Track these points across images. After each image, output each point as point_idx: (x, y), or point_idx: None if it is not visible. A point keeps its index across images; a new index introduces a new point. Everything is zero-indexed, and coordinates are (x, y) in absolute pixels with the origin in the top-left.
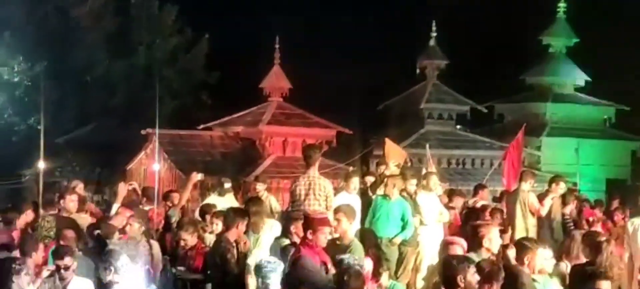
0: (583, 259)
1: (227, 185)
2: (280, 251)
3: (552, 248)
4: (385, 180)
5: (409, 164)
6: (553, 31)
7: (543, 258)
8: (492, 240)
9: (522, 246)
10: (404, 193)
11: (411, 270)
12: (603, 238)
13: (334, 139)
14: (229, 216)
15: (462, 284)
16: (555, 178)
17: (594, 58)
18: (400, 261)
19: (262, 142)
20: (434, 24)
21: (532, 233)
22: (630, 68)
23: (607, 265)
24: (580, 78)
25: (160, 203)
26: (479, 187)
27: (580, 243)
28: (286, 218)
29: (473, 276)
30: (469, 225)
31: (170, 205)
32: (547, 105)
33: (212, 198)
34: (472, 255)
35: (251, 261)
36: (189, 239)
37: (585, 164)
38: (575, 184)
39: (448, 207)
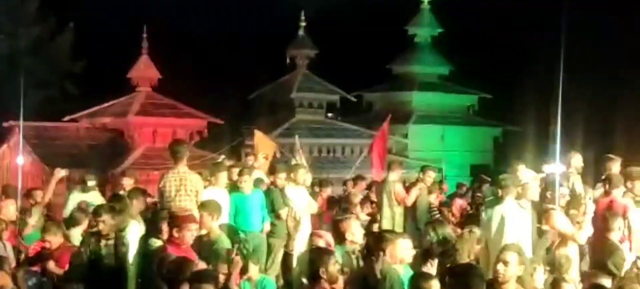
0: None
1: (91, 183)
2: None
3: (415, 237)
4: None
5: (279, 155)
6: (418, 21)
7: (403, 247)
8: (354, 232)
9: (381, 237)
10: (273, 186)
11: (280, 262)
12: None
13: (205, 129)
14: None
15: (324, 276)
16: (425, 168)
17: (458, 48)
18: (269, 253)
19: (130, 133)
20: (302, 13)
21: (399, 223)
22: (493, 58)
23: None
24: (445, 67)
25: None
26: (358, 178)
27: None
28: (155, 216)
29: (334, 267)
30: (331, 219)
31: (33, 202)
32: (413, 94)
33: (75, 196)
34: (337, 248)
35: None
36: (53, 240)
37: (451, 150)
38: (440, 170)
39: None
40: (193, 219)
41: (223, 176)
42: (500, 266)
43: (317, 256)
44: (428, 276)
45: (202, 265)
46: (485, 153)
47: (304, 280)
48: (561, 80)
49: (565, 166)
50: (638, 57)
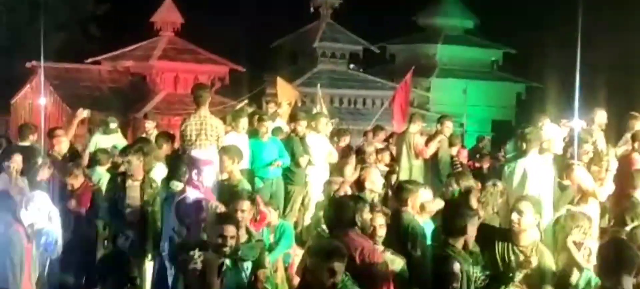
0: None
1: (113, 125)
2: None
3: (437, 189)
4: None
5: (300, 104)
6: None
7: (424, 198)
8: (374, 181)
9: (402, 188)
10: (293, 134)
11: (299, 209)
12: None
13: (226, 76)
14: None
15: (359, 223)
16: (442, 118)
17: (484, 1)
18: (287, 200)
19: (152, 77)
20: None
21: (417, 175)
22: (518, 13)
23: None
24: (470, 20)
25: (45, 140)
26: (377, 129)
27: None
28: (176, 159)
29: (368, 215)
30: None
31: (56, 142)
32: (437, 47)
33: (97, 137)
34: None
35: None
36: (75, 182)
37: (473, 105)
38: (462, 125)
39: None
40: (212, 162)
41: (244, 122)
42: (514, 215)
43: (351, 203)
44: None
45: (221, 208)
46: (507, 109)
47: (324, 227)
48: (579, 36)
49: (585, 123)
50: None
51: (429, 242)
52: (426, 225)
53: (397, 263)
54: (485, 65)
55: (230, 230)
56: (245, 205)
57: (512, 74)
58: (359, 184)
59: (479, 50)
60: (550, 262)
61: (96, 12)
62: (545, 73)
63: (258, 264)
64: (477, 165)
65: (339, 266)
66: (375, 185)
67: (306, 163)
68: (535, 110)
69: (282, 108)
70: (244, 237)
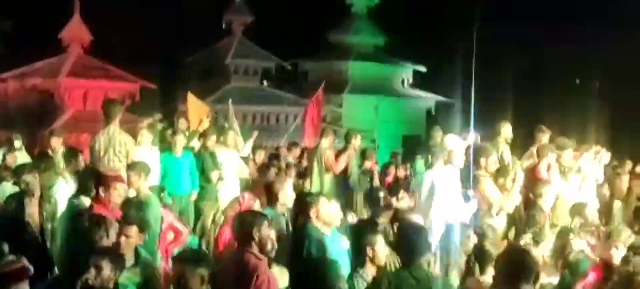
0: None
1: (18, 143)
2: None
3: (348, 203)
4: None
5: (211, 120)
6: None
7: (328, 210)
8: (286, 194)
9: (303, 199)
10: (203, 150)
11: (211, 224)
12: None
13: (137, 93)
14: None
15: (256, 238)
16: (349, 134)
17: (394, 19)
18: (198, 216)
19: (60, 94)
20: None
21: (328, 189)
22: (427, 30)
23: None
24: (381, 38)
25: None
26: (292, 145)
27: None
28: (85, 175)
29: (267, 230)
30: (263, 182)
31: None
32: (349, 64)
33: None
34: (268, 210)
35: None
36: None
37: (384, 121)
38: (374, 140)
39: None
40: (120, 179)
41: (150, 136)
42: None
43: (250, 218)
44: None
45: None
46: (417, 125)
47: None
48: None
49: (479, 136)
50: (561, 32)
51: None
52: (334, 238)
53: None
54: (395, 82)
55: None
56: (133, 230)
57: (422, 90)
58: (271, 196)
59: (390, 67)
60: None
61: (1, 28)
62: (453, 89)
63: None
64: (390, 180)
65: (205, 273)
66: (286, 198)
67: (217, 179)
68: (444, 125)
69: (193, 124)
70: (130, 261)
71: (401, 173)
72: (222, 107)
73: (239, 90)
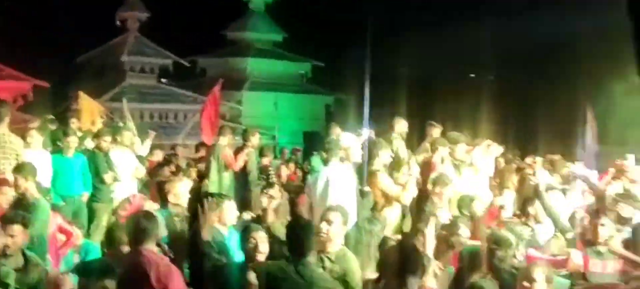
0: None
1: None
2: None
3: (246, 201)
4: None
5: (104, 119)
6: None
7: (228, 210)
8: (178, 194)
9: (205, 200)
10: (97, 150)
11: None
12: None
13: (29, 92)
14: None
15: (152, 237)
16: (246, 132)
17: (292, 15)
18: (92, 218)
19: None
20: None
21: (227, 187)
22: (326, 26)
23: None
24: (279, 34)
25: None
26: (188, 143)
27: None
28: None
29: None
30: (153, 182)
31: None
32: (247, 60)
33: None
34: (160, 211)
35: None
36: None
37: (284, 117)
38: (274, 137)
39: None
40: (6, 182)
41: (41, 137)
42: (323, 225)
43: (144, 219)
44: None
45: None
46: (317, 121)
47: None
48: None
49: (373, 132)
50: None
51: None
52: (230, 235)
53: None
54: (294, 78)
55: None
56: (16, 229)
57: (321, 86)
58: (162, 197)
59: (288, 64)
60: (356, 267)
61: None
62: (352, 85)
63: None
64: (291, 176)
65: (111, 284)
66: (179, 198)
67: (111, 180)
68: (343, 120)
69: (85, 124)
70: (18, 263)
71: (285, 171)
72: (118, 105)
73: (135, 88)
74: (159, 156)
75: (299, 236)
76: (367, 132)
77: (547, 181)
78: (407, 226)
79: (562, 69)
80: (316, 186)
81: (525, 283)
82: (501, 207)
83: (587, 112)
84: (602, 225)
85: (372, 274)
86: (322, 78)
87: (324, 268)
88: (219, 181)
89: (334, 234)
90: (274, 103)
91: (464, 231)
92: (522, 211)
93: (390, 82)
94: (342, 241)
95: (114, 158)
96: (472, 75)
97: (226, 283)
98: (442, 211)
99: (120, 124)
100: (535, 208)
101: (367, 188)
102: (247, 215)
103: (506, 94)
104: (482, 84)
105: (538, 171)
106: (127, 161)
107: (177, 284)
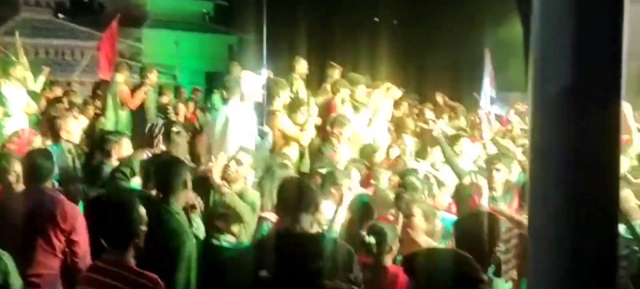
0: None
1: None
2: None
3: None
4: None
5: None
6: None
7: (125, 149)
8: (70, 130)
9: (105, 139)
10: None
11: None
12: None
13: None
14: None
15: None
16: (144, 69)
17: None
18: None
19: None
20: None
21: (124, 124)
22: None
23: None
24: None
25: None
26: (85, 80)
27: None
28: None
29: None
30: (45, 117)
31: None
32: None
33: None
34: (53, 147)
35: None
36: None
37: (186, 57)
38: (175, 76)
39: None
40: None
41: None
42: (232, 164)
43: (42, 157)
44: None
45: None
46: (220, 61)
47: None
48: None
49: (271, 72)
50: None
51: None
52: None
53: None
54: (197, 17)
55: None
56: None
57: (224, 26)
58: (54, 133)
59: (191, 2)
60: (247, 205)
61: None
62: (255, 25)
63: None
64: (191, 116)
65: None
66: (71, 134)
67: (2, 114)
68: (245, 61)
69: None
70: None
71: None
72: (11, 40)
73: (30, 23)
74: (56, 92)
75: (164, 174)
76: (266, 72)
77: (445, 127)
78: (305, 167)
79: (465, 15)
80: (215, 125)
81: (405, 220)
82: (398, 157)
83: (485, 57)
84: (498, 169)
85: (272, 215)
86: (225, 18)
87: (215, 203)
88: (116, 118)
89: (242, 174)
90: (175, 42)
91: (355, 178)
92: (422, 156)
93: (292, 23)
94: (249, 183)
95: (5, 93)
96: (376, 19)
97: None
98: (342, 151)
99: (13, 59)
100: (434, 154)
101: (266, 128)
102: (144, 154)
103: (409, 39)
104: (385, 28)
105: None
106: (19, 97)
107: (82, 221)
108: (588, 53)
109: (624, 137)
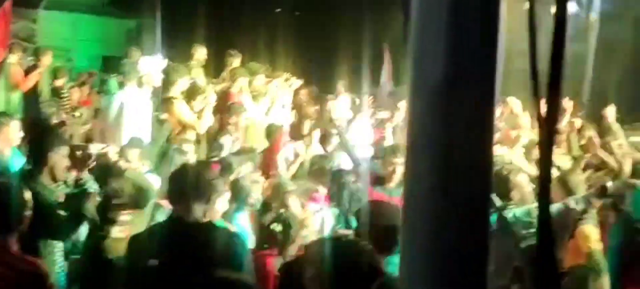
0: None
1: None
2: None
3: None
4: None
5: None
6: None
7: (14, 131)
8: None
9: None
10: None
11: None
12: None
13: None
14: None
15: None
16: (38, 51)
17: None
18: None
19: None
20: None
21: (16, 107)
22: None
23: None
24: None
25: None
26: None
27: None
28: None
29: None
30: None
31: None
32: None
33: None
34: None
35: None
36: None
37: (82, 40)
38: (71, 60)
39: None
40: None
41: None
42: (122, 162)
43: None
44: None
45: None
46: (118, 45)
47: None
48: None
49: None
50: None
51: None
52: (14, 155)
53: None
54: (94, 0)
55: None
56: None
57: (123, 10)
58: None
59: None
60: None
61: None
62: (154, 11)
63: None
64: (86, 100)
65: None
66: None
67: None
68: (144, 46)
69: None
70: None
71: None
72: None
73: None
74: None
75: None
76: (162, 58)
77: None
78: (201, 154)
79: (367, 8)
80: (110, 110)
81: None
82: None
83: (384, 51)
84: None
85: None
86: (124, 2)
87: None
88: (7, 100)
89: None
90: (72, 25)
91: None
92: (323, 144)
93: (192, 9)
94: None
95: None
96: (278, 10)
97: None
98: (236, 139)
99: None
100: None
101: (163, 115)
102: None
103: (310, 30)
104: (286, 19)
105: (337, 104)
106: None
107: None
108: (462, 49)
109: (512, 132)
